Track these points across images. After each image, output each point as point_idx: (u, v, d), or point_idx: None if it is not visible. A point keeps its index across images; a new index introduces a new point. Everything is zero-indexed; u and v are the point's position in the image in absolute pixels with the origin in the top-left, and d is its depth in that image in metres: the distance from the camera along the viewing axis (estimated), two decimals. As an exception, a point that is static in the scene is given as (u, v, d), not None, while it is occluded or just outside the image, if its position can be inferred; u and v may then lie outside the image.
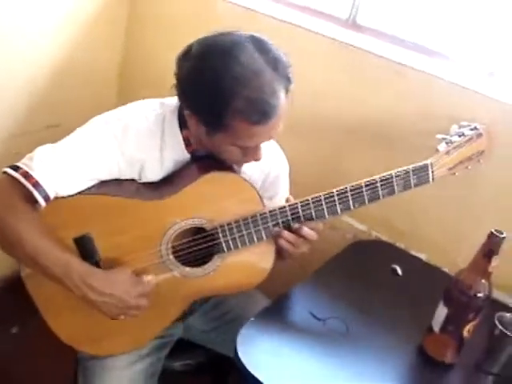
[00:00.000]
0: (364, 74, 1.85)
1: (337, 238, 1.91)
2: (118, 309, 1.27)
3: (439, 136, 1.36)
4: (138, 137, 1.32)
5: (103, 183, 1.33)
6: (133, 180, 1.36)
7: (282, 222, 1.34)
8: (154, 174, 1.36)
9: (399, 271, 1.68)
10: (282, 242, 1.35)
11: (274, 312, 1.43)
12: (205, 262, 1.37)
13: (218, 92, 1.17)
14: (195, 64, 1.22)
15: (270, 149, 1.47)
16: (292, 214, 1.33)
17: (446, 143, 1.34)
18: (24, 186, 1.22)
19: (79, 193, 1.29)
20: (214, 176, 1.34)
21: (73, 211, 1.29)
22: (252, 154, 1.31)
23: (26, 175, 1.22)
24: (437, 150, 1.34)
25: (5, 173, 1.25)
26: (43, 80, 2.18)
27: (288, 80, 1.23)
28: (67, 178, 1.27)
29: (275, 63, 1.20)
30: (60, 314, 1.36)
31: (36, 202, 1.24)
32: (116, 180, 1.34)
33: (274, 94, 1.19)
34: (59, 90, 2.21)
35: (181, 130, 1.35)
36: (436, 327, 1.35)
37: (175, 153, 1.37)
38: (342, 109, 1.91)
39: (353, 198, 1.32)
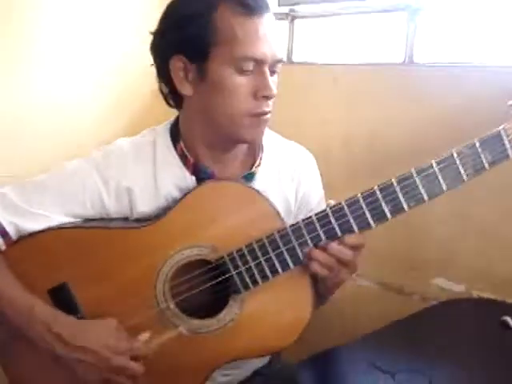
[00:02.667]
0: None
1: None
2: (96, 370, 0.95)
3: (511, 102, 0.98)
4: (123, 161, 1.08)
5: (86, 222, 1.07)
6: (125, 218, 1.09)
7: (311, 239, 0.98)
8: (147, 204, 1.07)
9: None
10: (315, 266, 0.97)
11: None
12: (220, 311, 1.02)
13: (196, 5, 1.00)
14: (162, 16, 1.06)
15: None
16: (322, 226, 0.97)
17: None
18: None
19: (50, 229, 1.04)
20: (212, 186, 1.03)
21: (43, 253, 1.04)
22: (262, 85, 1.00)
23: None
24: (511, 116, 0.95)
25: None
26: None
27: None
28: (32, 212, 1.03)
29: None
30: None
31: None
32: (102, 218, 1.08)
33: None
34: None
35: (175, 148, 1.09)
36: None
37: (174, 176, 1.08)
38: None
39: (403, 194, 0.95)
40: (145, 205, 1.07)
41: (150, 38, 1.07)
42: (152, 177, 1.08)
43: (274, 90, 1.01)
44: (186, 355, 1.02)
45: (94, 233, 1.04)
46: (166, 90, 1.10)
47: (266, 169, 1.13)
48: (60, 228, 1.04)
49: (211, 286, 1.02)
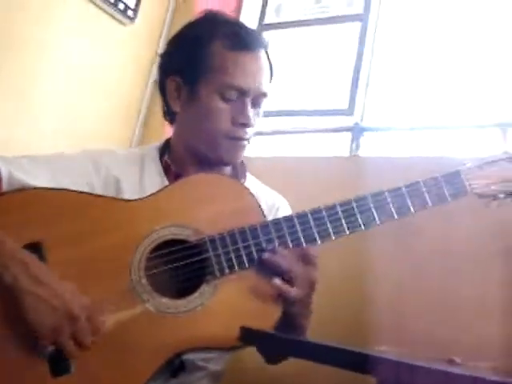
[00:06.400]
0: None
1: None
2: (51, 313, 0.92)
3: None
4: (115, 159, 1.21)
5: None
6: None
7: (289, 234, 1.04)
8: (132, 197, 1.12)
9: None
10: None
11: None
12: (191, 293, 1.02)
13: (197, 36, 1.19)
14: (169, 44, 1.27)
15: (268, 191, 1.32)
16: (301, 224, 1.05)
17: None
18: None
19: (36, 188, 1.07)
20: (205, 176, 1.12)
21: (24, 209, 1.03)
22: (240, 113, 1.15)
23: None
24: (463, 164, 1.09)
25: None
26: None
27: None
28: (26, 168, 1.09)
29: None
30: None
31: None
32: None
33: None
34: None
35: (161, 160, 1.24)
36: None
37: (156, 184, 1.17)
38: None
39: (375, 208, 1.06)
40: (130, 197, 1.12)
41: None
42: (138, 180, 1.19)
43: (253, 120, 1.16)
44: (149, 335, 0.99)
45: (79, 196, 1.06)
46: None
47: None
48: (47, 188, 1.06)
49: (187, 266, 1.03)
